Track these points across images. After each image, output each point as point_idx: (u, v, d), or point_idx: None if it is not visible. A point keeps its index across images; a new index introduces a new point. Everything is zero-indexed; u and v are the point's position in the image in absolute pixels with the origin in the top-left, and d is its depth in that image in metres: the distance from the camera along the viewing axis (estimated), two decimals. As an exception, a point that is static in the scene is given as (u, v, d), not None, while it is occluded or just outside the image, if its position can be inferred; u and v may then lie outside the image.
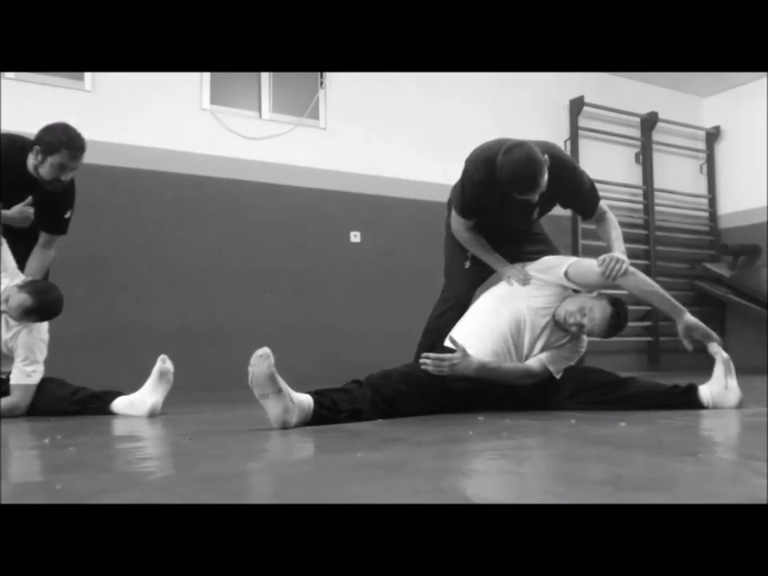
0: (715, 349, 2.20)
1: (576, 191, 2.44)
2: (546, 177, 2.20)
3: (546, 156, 2.22)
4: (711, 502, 0.94)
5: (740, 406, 2.14)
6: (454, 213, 2.52)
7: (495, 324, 2.31)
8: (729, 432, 1.83)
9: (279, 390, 1.83)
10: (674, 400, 2.19)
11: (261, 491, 1.15)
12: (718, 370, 2.19)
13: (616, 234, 2.47)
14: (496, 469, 1.33)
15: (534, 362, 2.28)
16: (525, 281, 2.36)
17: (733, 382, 2.17)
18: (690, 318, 2.26)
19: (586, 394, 2.23)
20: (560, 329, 2.30)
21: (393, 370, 2.22)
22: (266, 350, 1.83)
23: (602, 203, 2.53)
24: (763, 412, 2.04)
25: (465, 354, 2.15)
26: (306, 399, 1.92)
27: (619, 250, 2.39)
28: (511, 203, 2.32)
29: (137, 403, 2.36)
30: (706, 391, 2.18)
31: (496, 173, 2.22)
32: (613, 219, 2.52)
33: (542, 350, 2.29)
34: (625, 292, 2.41)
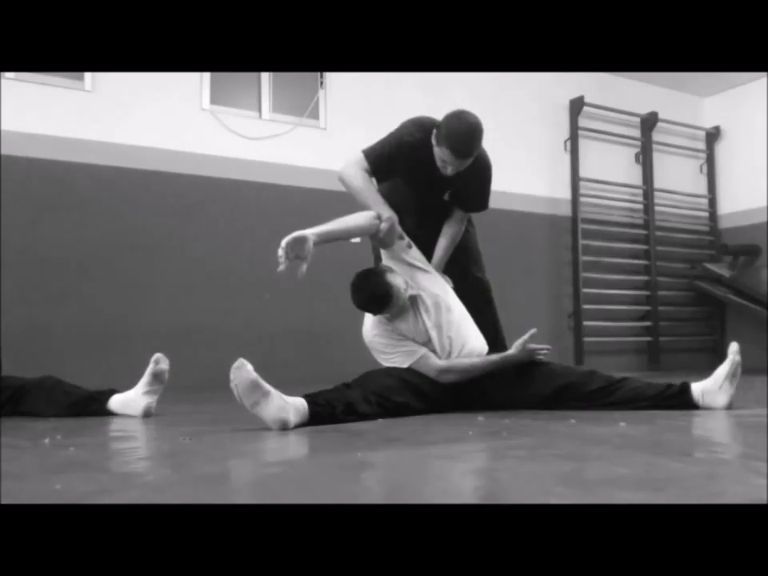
0: (734, 348, 2.15)
1: (479, 191, 2.52)
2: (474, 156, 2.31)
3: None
4: (711, 502, 0.94)
5: (728, 407, 2.12)
6: (354, 155, 2.44)
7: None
8: (729, 432, 1.83)
9: (268, 393, 1.83)
10: (666, 402, 2.15)
11: (260, 491, 1.15)
12: (723, 369, 2.14)
13: (451, 241, 2.53)
14: (496, 469, 1.33)
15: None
16: (393, 235, 2.31)
17: (730, 386, 2.13)
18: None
19: (572, 401, 2.20)
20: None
21: (374, 370, 2.29)
22: (240, 360, 1.83)
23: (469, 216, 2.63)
24: (763, 412, 2.04)
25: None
26: (298, 400, 1.93)
27: (440, 249, 2.49)
28: (426, 178, 2.39)
29: (130, 404, 2.36)
30: (697, 390, 2.15)
31: (431, 140, 2.31)
32: (460, 232, 2.57)
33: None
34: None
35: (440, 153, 2.29)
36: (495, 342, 2.55)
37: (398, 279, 2.22)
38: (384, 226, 2.26)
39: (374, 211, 2.31)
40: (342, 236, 2.27)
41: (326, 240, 2.16)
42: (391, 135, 2.45)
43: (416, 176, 2.45)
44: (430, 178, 2.42)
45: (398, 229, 2.33)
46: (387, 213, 2.31)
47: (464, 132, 2.25)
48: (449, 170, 2.32)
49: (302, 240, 2.04)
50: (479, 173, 2.46)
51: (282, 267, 2.01)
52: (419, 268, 2.37)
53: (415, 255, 2.39)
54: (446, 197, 2.53)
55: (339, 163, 2.59)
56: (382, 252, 2.41)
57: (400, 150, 2.38)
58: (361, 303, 2.25)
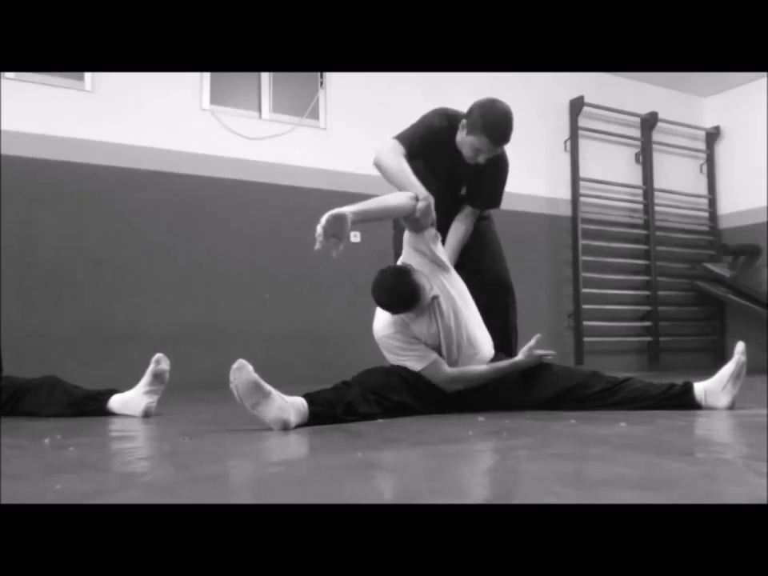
0: (740, 348, 2.12)
1: (496, 188, 2.55)
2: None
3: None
4: (711, 502, 0.94)
5: (730, 408, 2.12)
6: (387, 142, 2.42)
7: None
8: (729, 432, 1.83)
9: (268, 393, 1.83)
10: (668, 402, 2.14)
11: (260, 491, 1.15)
12: (727, 369, 2.13)
13: (462, 240, 2.54)
14: (496, 469, 1.33)
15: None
16: (429, 215, 2.24)
17: (733, 387, 2.12)
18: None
19: (574, 402, 2.19)
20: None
21: (373, 368, 2.24)
22: (240, 361, 1.82)
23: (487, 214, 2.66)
24: (763, 412, 2.04)
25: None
26: (298, 400, 1.93)
27: (449, 246, 2.48)
28: (448, 170, 2.42)
29: (130, 404, 2.36)
30: (700, 390, 2.15)
31: (455, 131, 2.36)
32: (469, 231, 2.57)
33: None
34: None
35: (475, 141, 2.30)
36: (508, 346, 2.54)
37: (423, 278, 2.16)
38: (421, 204, 2.20)
39: (411, 192, 2.25)
40: (380, 215, 2.21)
41: (363, 219, 2.10)
42: (420, 122, 2.47)
43: (439, 166, 2.46)
44: (451, 170, 2.44)
45: (433, 213, 2.26)
46: (424, 193, 2.25)
47: (502, 119, 2.30)
48: (480, 159, 2.34)
49: (341, 218, 1.98)
50: (499, 169, 2.49)
51: (318, 246, 1.94)
52: (440, 265, 2.29)
53: (440, 249, 2.33)
54: (463, 191, 2.52)
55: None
56: (406, 241, 2.30)
57: (429, 136, 2.41)
58: (386, 302, 2.16)
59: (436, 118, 2.44)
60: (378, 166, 2.42)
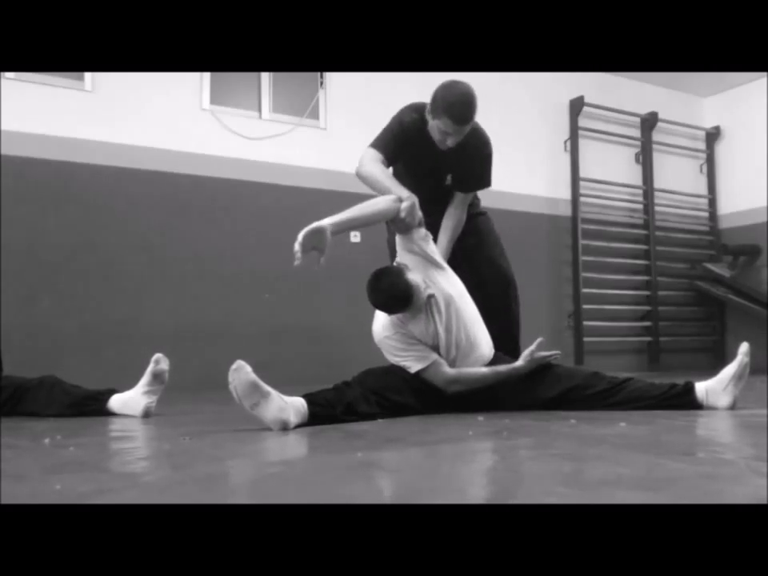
0: (744, 350, 2.12)
1: (481, 168, 2.54)
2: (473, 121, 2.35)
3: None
4: (711, 502, 0.94)
5: (731, 408, 2.12)
6: (365, 152, 2.44)
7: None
8: (729, 432, 1.83)
9: (267, 393, 1.83)
10: (670, 402, 2.14)
11: (260, 491, 1.15)
12: (730, 369, 2.12)
13: (453, 234, 2.53)
14: (496, 469, 1.33)
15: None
16: (415, 214, 2.22)
17: (735, 387, 2.11)
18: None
19: (575, 402, 2.19)
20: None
21: (373, 368, 2.24)
22: (238, 362, 1.82)
23: (478, 194, 2.68)
24: (764, 413, 2.04)
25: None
26: (297, 400, 1.93)
27: (443, 240, 2.48)
28: (426, 161, 2.43)
29: (130, 403, 2.36)
30: (702, 390, 2.15)
31: (427, 119, 2.38)
32: (462, 221, 2.57)
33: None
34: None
35: (440, 124, 2.31)
36: (513, 341, 2.53)
37: (417, 277, 2.15)
38: (405, 204, 2.19)
39: (393, 194, 2.25)
40: (363, 223, 2.22)
41: (344, 229, 2.12)
42: (391, 121, 2.50)
43: (417, 160, 2.47)
44: (430, 161, 2.44)
45: (419, 213, 2.24)
46: (407, 194, 2.25)
47: (460, 98, 2.28)
48: (449, 142, 2.34)
49: (319, 232, 2.00)
50: (479, 149, 2.48)
51: (298, 261, 1.96)
52: (434, 264, 2.28)
53: (432, 248, 2.31)
54: (448, 180, 2.52)
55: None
56: (398, 244, 2.30)
57: (403, 133, 2.42)
58: (381, 303, 2.16)
59: (406, 112, 2.47)
60: (359, 177, 2.44)
